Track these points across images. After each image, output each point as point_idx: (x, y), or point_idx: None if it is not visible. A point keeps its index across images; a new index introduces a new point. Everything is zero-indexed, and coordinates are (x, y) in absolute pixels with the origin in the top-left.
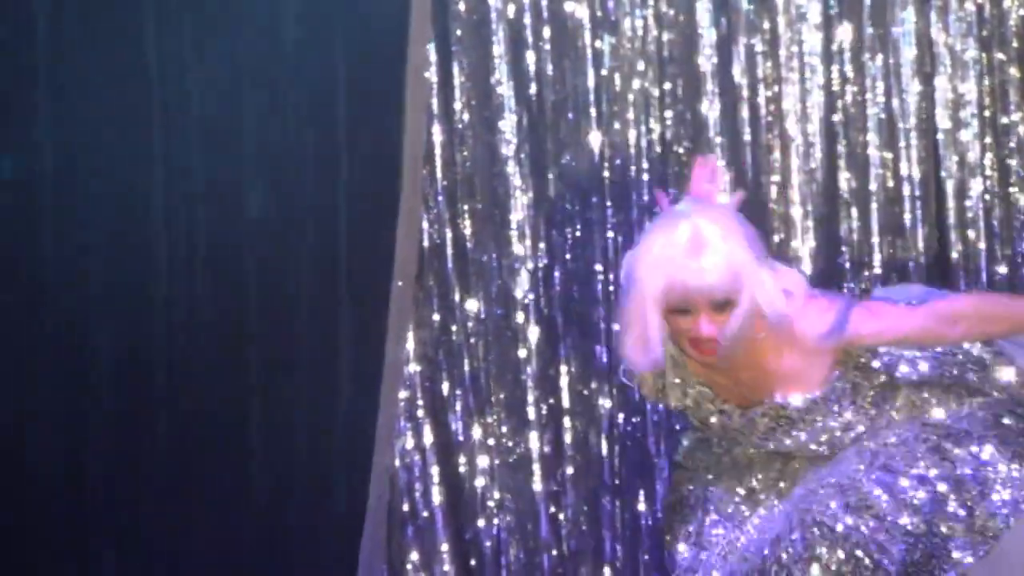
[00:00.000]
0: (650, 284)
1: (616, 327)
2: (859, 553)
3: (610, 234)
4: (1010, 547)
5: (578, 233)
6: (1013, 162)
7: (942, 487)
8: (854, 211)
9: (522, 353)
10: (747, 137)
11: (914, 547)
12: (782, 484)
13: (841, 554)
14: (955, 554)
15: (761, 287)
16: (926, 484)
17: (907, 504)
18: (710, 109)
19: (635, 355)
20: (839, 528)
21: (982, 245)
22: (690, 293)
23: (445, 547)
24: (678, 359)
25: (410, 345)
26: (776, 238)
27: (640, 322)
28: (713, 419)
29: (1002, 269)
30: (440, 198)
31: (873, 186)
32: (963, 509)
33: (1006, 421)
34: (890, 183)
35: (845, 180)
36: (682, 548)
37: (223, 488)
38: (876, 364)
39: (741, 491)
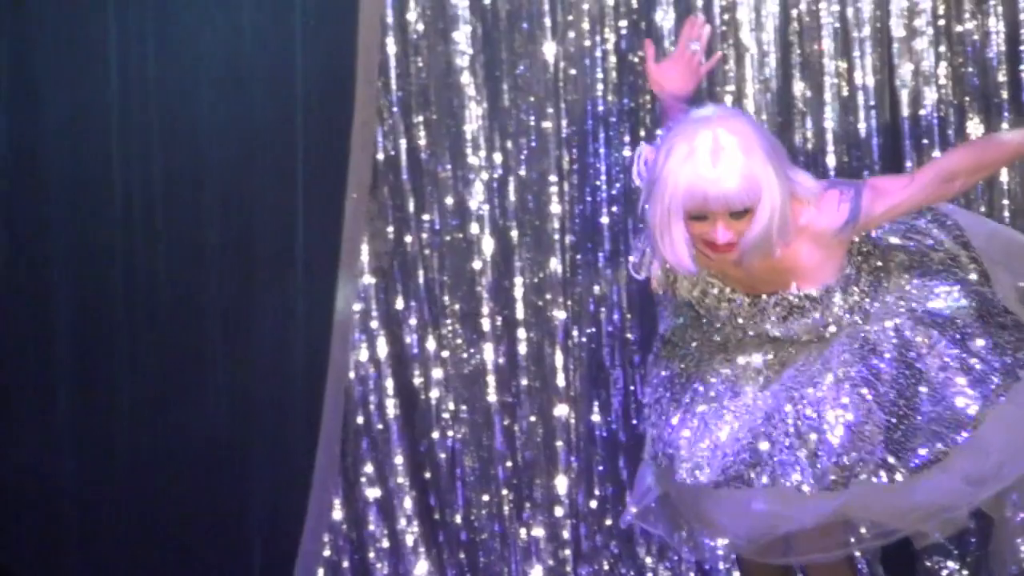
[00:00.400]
0: (670, 192)
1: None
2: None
3: (564, 145)
4: (987, 434)
5: (533, 144)
6: (967, 70)
7: (930, 373)
8: (808, 120)
9: (476, 265)
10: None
11: (896, 427)
12: (771, 367)
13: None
14: (934, 439)
15: (778, 197)
16: (913, 369)
17: (894, 385)
18: (664, 19)
19: (668, 257)
20: (828, 408)
21: (936, 154)
22: (708, 202)
23: (400, 459)
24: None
25: (364, 257)
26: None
27: (665, 228)
28: (722, 310)
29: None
30: (395, 109)
31: (828, 95)
32: (943, 397)
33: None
34: (844, 92)
35: (799, 89)
36: (675, 421)
37: (183, 403)
38: (868, 246)
39: (727, 372)
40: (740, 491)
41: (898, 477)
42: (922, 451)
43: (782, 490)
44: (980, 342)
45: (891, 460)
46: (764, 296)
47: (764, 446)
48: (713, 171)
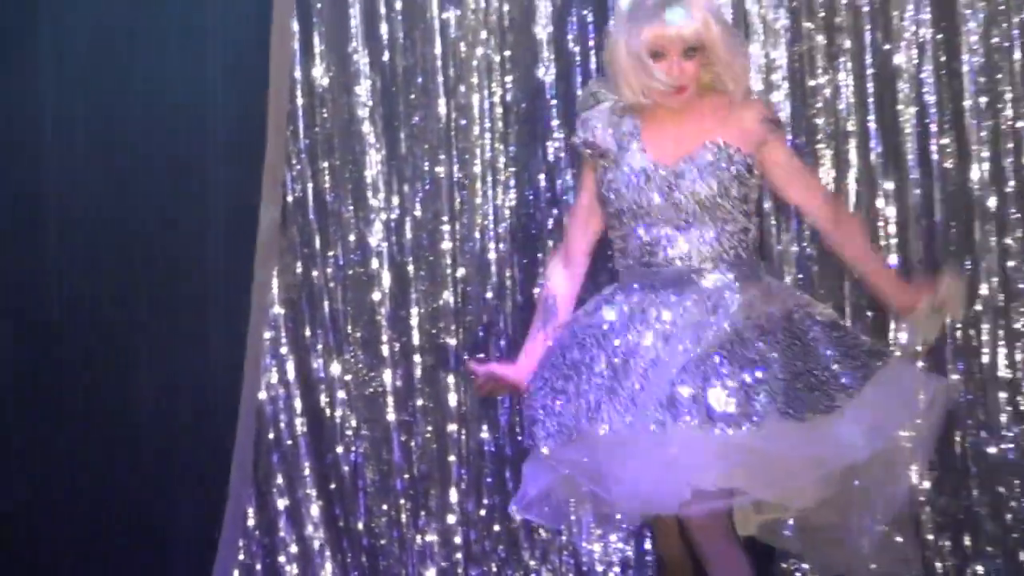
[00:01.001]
0: (632, 29)
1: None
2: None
3: (455, 189)
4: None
5: (427, 187)
6: (819, 120)
7: (816, 346)
8: None
9: (376, 296)
10: (577, 100)
11: (796, 380)
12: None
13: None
14: (843, 380)
15: (726, 43)
16: (802, 340)
17: (788, 346)
18: (546, 74)
19: (642, 84)
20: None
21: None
22: (666, 31)
23: (307, 472)
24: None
25: (275, 290)
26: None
27: (635, 59)
28: (625, 186)
29: (810, 219)
30: (302, 156)
31: None
32: (826, 366)
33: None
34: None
35: None
36: (585, 387)
37: (111, 420)
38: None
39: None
40: (655, 435)
41: (791, 420)
42: (816, 402)
43: (689, 433)
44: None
45: (789, 409)
46: (670, 163)
47: (684, 391)
48: (667, 6)
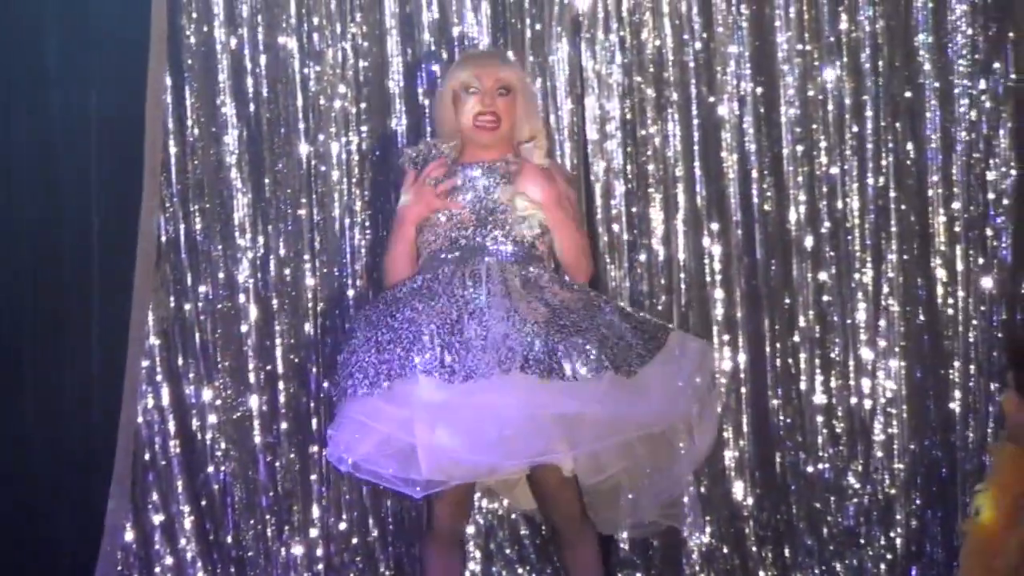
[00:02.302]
0: (454, 75)
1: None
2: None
3: (316, 229)
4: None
5: (290, 228)
6: (650, 167)
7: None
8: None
9: (243, 328)
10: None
11: (605, 344)
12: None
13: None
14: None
15: (529, 94)
16: (590, 309)
17: (572, 314)
18: (398, 124)
19: (439, 118)
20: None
21: (626, 236)
22: (482, 67)
23: (180, 489)
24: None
25: (151, 322)
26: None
27: (443, 102)
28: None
29: (641, 257)
30: (175, 199)
31: None
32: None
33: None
34: None
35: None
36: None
37: None
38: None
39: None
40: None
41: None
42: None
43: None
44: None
45: (616, 365)
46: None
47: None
48: (484, 53)
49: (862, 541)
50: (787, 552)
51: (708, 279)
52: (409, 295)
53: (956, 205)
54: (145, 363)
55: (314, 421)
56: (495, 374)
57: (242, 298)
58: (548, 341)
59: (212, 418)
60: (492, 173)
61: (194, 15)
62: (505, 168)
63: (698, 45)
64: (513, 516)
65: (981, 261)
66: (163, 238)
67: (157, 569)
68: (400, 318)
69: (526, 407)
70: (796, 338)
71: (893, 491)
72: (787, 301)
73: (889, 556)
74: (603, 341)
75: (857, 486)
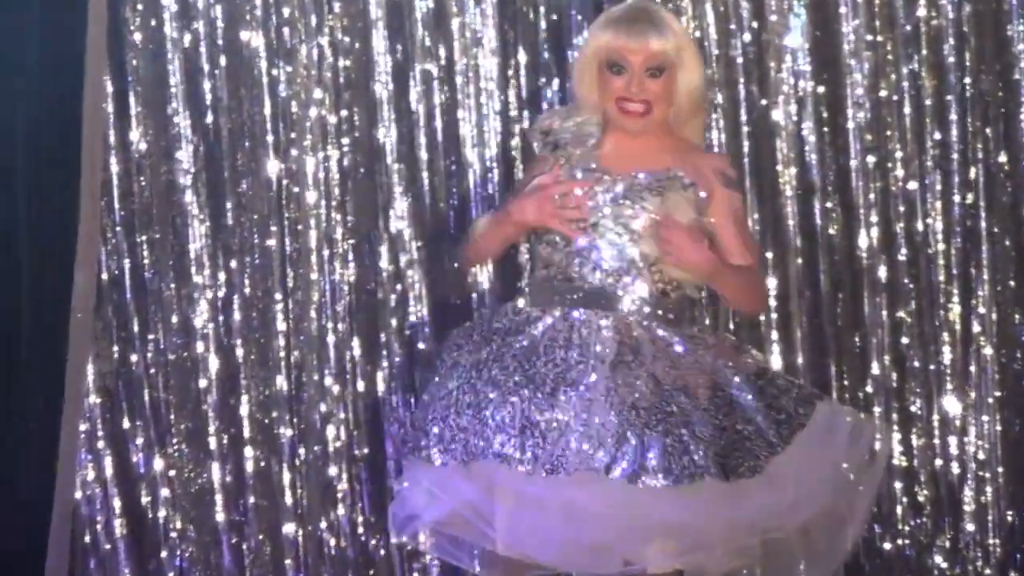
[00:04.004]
0: (596, 39)
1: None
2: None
3: (288, 262)
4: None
5: (256, 261)
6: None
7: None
8: (532, 235)
9: (202, 383)
10: (424, 164)
11: (719, 437)
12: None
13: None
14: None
15: (692, 67)
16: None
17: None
18: (387, 136)
19: (578, 80)
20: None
21: None
22: (629, 45)
23: None
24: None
25: (90, 377)
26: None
27: (585, 66)
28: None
29: None
30: (118, 229)
31: None
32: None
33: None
34: None
35: None
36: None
37: None
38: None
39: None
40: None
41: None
42: (739, 462)
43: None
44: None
45: (712, 469)
46: (614, 175)
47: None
48: (636, 22)
49: None
50: None
51: (762, 318)
52: (506, 336)
53: None
54: (84, 426)
55: (288, 495)
56: (581, 470)
57: (200, 347)
58: (645, 437)
59: (165, 492)
60: (639, 194)
61: (139, 6)
62: (658, 187)
63: (747, 37)
64: None
65: None
66: (104, 275)
67: None
68: (486, 377)
69: (620, 510)
70: (869, 388)
71: (988, 571)
72: (858, 343)
73: None
74: (716, 436)
75: (944, 566)
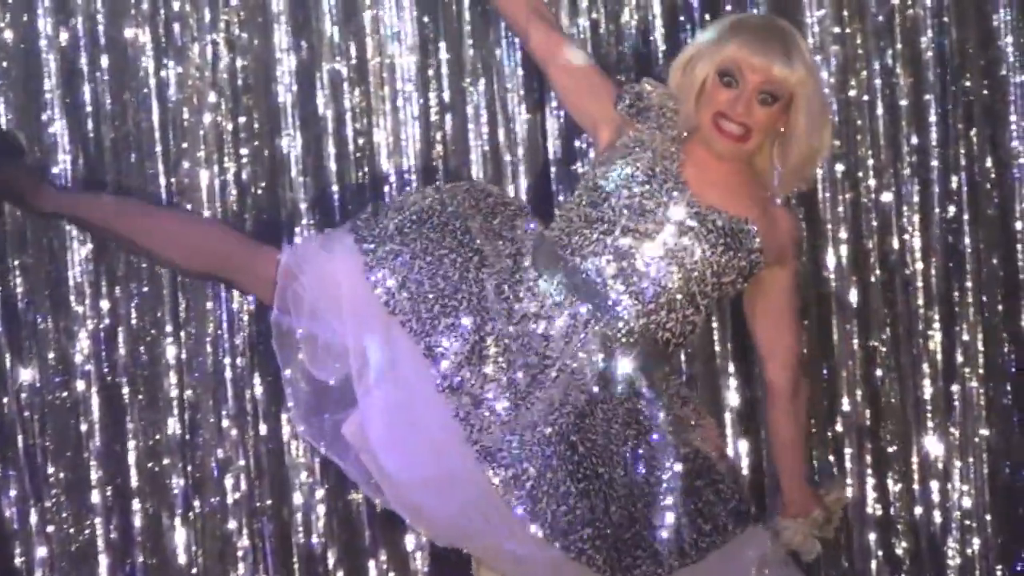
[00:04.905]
0: (720, 41)
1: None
2: None
3: (181, 290)
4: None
5: (144, 289)
6: None
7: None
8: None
9: (83, 427)
10: (334, 176)
11: (625, 528)
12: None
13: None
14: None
15: (813, 109)
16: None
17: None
18: (291, 145)
19: (677, 83)
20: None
21: None
22: (747, 60)
23: None
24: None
25: None
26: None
27: (692, 70)
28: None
29: None
30: None
31: None
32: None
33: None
34: None
35: None
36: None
37: None
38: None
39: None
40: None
41: None
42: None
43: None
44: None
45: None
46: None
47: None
48: (769, 39)
49: None
50: None
51: (717, 348)
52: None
53: None
54: None
55: (182, 553)
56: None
57: (81, 385)
58: (563, 486)
59: (42, 551)
60: (708, 235)
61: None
62: (728, 242)
63: (699, 30)
64: None
65: None
66: None
67: None
68: (490, 329)
69: (498, 516)
70: (839, 427)
71: None
72: (826, 376)
73: None
74: (622, 525)
75: None
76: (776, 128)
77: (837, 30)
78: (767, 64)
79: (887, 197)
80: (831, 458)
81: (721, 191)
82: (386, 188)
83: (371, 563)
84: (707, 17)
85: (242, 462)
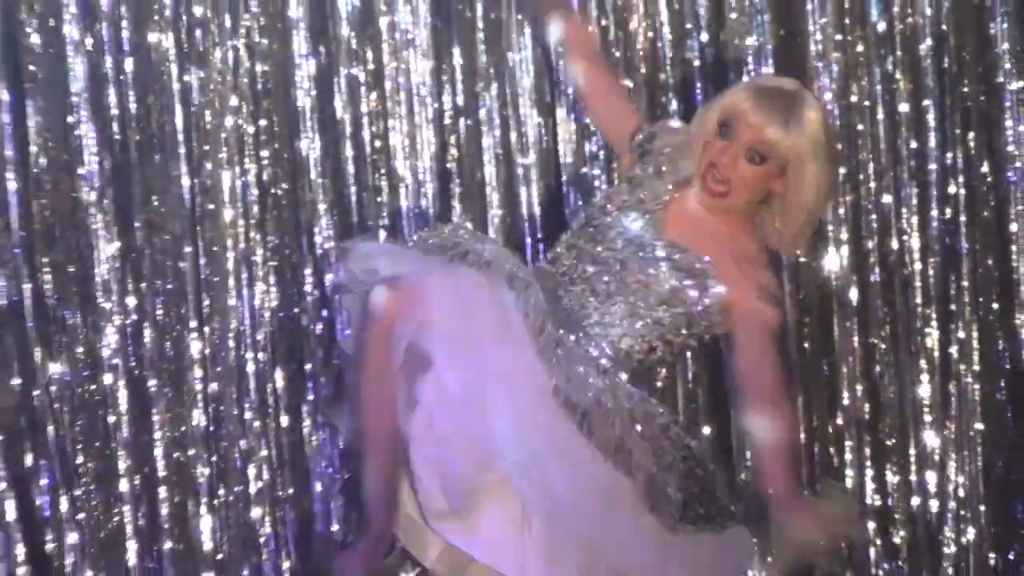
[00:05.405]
0: (732, 93)
1: None
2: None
3: (204, 287)
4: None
5: (170, 286)
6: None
7: None
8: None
9: (112, 418)
10: (351, 178)
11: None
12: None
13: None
14: None
15: (809, 179)
16: None
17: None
18: (311, 147)
19: (695, 130)
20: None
21: None
22: (745, 115)
23: None
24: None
25: None
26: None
27: (707, 117)
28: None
29: None
30: (17, 252)
31: (490, 229)
32: None
33: None
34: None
35: (459, 220)
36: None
37: None
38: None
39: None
40: None
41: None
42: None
43: None
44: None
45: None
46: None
47: None
48: (773, 99)
49: None
50: None
51: (723, 344)
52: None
53: None
54: None
55: (207, 539)
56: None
57: (108, 379)
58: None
59: (72, 537)
60: (671, 270)
61: (36, 6)
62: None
63: (704, 37)
64: None
65: None
66: (3, 302)
67: None
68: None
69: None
70: (839, 420)
71: None
72: (827, 372)
73: None
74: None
75: None
76: (767, 188)
77: (839, 37)
78: (762, 123)
79: (887, 199)
80: (831, 450)
81: (693, 233)
82: (402, 189)
83: None
84: (710, 23)
85: (264, 452)
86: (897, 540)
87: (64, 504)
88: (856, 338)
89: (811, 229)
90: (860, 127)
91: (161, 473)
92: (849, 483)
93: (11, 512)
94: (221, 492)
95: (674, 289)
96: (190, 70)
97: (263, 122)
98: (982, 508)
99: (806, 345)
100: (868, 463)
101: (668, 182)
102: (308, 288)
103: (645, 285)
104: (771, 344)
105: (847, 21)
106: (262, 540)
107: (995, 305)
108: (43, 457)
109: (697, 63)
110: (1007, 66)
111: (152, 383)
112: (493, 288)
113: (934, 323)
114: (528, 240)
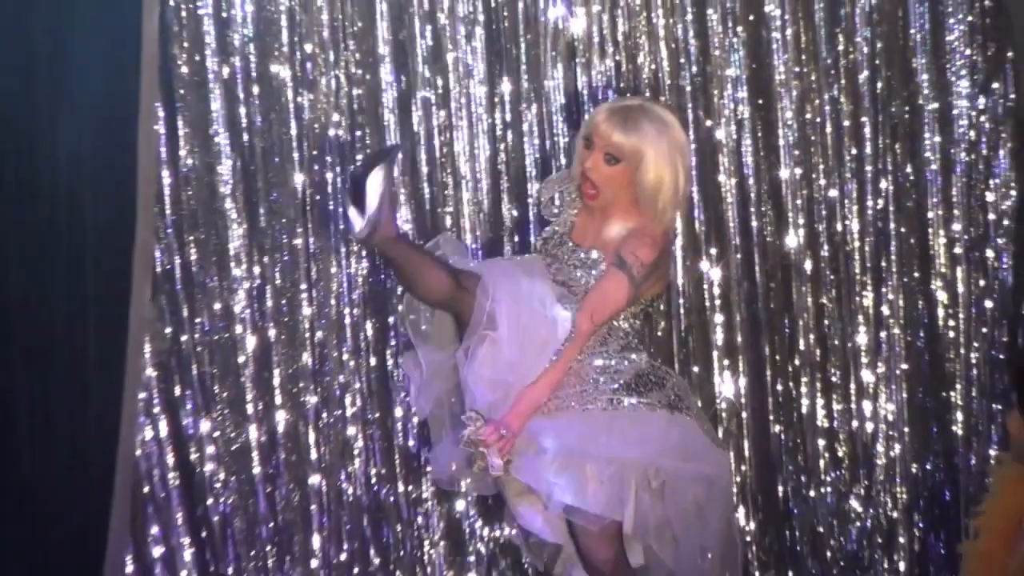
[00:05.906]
0: (594, 112)
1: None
2: None
3: (312, 259)
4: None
5: (285, 258)
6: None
7: None
8: (516, 237)
9: (240, 359)
10: (425, 175)
11: None
12: None
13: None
14: None
15: (650, 168)
16: None
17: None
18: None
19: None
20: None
21: None
22: (598, 127)
23: (180, 522)
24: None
25: (147, 354)
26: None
27: (578, 140)
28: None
29: None
30: (169, 231)
31: (531, 215)
32: None
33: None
34: None
35: (507, 210)
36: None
37: None
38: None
39: None
40: None
41: None
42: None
43: None
44: None
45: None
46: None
47: None
48: (617, 112)
49: (865, 565)
50: None
51: (708, 304)
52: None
53: (956, 227)
54: (142, 395)
55: (313, 451)
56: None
57: (239, 329)
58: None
59: (211, 449)
60: (575, 271)
61: (185, 44)
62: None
63: (694, 69)
64: (516, 544)
65: (982, 283)
66: (158, 270)
67: None
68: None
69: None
70: (797, 362)
71: (896, 514)
72: (787, 325)
73: None
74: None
75: (860, 510)
76: (629, 182)
77: (797, 69)
78: (609, 131)
79: (833, 193)
80: (791, 384)
81: (592, 235)
82: (463, 183)
83: None
84: (699, 57)
85: (357, 385)
86: (840, 453)
87: (205, 424)
88: (810, 299)
89: (672, 208)
90: (813, 138)
91: (278, 401)
92: (804, 409)
93: (164, 430)
94: (324, 415)
95: (585, 278)
96: (302, 93)
97: (358, 133)
98: (906, 429)
99: (772, 304)
100: (819, 395)
101: (575, 208)
102: None
103: (579, 282)
104: (607, 294)
105: (803, 57)
106: (355, 452)
107: (916, 273)
108: (188, 388)
109: (689, 88)
110: (925, 91)
111: (272, 331)
112: (532, 278)
113: (869, 287)
114: None
